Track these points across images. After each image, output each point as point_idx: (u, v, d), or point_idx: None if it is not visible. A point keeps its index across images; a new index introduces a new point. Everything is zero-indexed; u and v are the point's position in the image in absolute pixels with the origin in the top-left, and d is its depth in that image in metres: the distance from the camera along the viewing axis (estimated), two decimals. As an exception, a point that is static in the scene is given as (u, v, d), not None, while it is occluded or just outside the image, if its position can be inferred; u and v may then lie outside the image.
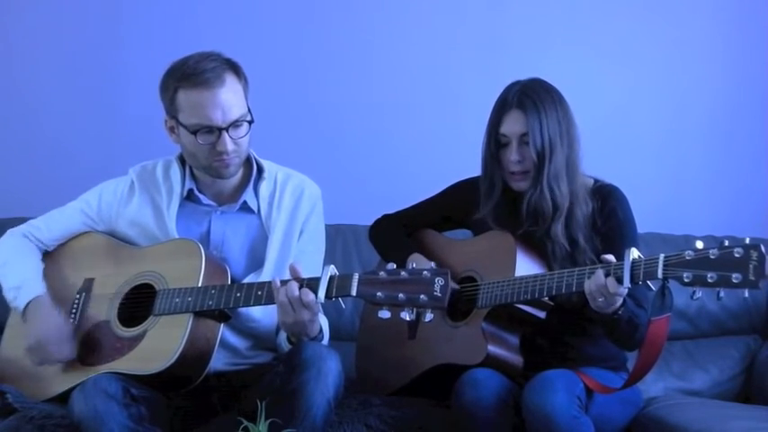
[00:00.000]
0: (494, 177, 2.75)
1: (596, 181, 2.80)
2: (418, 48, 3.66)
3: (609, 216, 2.72)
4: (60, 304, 2.71)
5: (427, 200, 2.99)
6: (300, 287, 2.46)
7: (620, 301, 2.48)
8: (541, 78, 2.76)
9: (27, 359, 2.67)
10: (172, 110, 2.64)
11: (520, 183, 2.73)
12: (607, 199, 2.74)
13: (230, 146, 2.61)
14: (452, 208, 2.93)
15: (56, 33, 3.65)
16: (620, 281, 2.40)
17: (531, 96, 2.69)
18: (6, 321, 2.85)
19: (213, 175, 2.69)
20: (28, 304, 2.68)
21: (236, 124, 2.61)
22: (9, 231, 2.83)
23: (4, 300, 2.85)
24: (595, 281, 2.44)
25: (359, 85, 3.65)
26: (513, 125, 2.70)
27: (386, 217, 3.05)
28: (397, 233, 2.97)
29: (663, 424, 2.75)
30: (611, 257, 2.46)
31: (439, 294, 2.36)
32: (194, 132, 2.60)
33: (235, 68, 2.64)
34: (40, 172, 3.62)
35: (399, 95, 3.65)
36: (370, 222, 3.07)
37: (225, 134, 2.59)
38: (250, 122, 2.64)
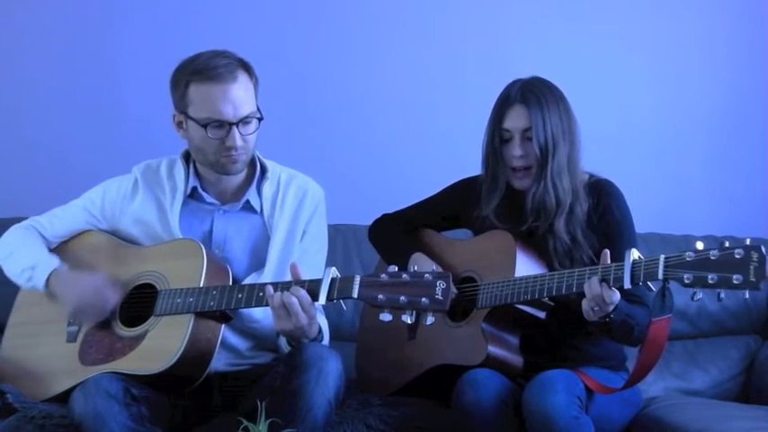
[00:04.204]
0: (497, 173, 2.75)
1: (591, 176, 2.80)
2: (418, 48, 3.66)
3: (604, 213, 2.72)
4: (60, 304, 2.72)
5: (427, 199, 2.99)
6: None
7: (610, 307, 2.48)
8: (541, 77, 2.77)
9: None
10: (182, 104, 2.65)
11: (522, 180, 2.73)
12: (601, 195, 2.74)
13: (239, 141, 2.62)
14: (453, 207, 2.92)
15: (57, 33, 3.65)
16: (620, 282, 2.40)
17: (533, 92, 2.70)
18: (6, 321, 2.85)
19: (220, 172, 2.69)
20: (48, 279, 2.68)
21: (245, 120, 2.62)
22: (12, 227, 2.84)
23: (5, 299, 2.86)
24: (591, 292, 2.45)
25: (359, 85, 3.65)
26: (516, 120, 2.70)
27: (385, 216, 3.05)
28: (398, 233, 2.97)
29: (663, 424, 2.75)
30: (608, 260, 2.47)
31: (440, 297, 2.36)
32: (204, 126, 2.61)
33: (246, 67, 2.66)
34: (40, 172, 3.62)
35: (399, 95, 3.65)
36: (370, 222, 3.07)
37: (235, 129, 2.61)
38: (259, 120, 2.66)
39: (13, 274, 2.76)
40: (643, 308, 2.61)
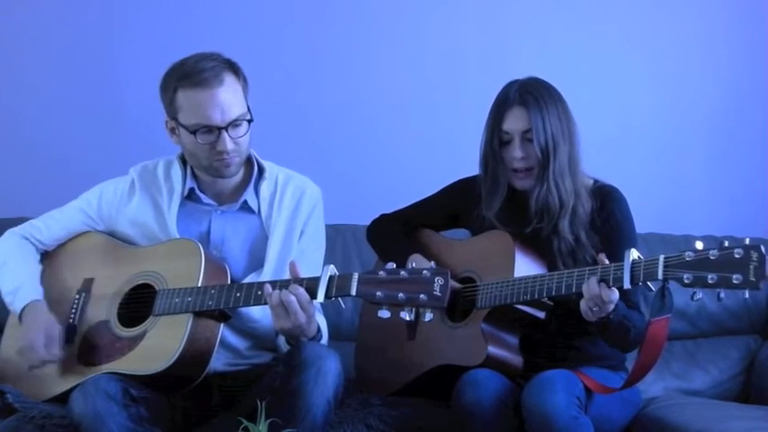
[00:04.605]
0: (497, 175, 2.74)
1: (595, 181, 2.80)
2: (417, 48, 3.66)
3: (608, 217, 2.72)
4: (59, 304, 2.71)
5: (425, 199, 2.99)
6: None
7: (610, 307, 2.48)
8: (538, 77, 2.77)
9: (19, 362, 2.68)
10: (172, 110, 2.65)
11: (523, 181, 2.73)
12: (606, 199, 2.74)
13: (230, 145, 2.61)
14: (452, 207, 2.92)
15: (57, 33, 3.65)
16: (619, 282, 2.40)
17: (532, 93, 2.70)
18: (6, 321, 2.85)
19: (214, 175, 2.69)
20: (24, 309, 2.68)
21: (235, 123, 2.61)
22: (9, 231, 2.83)
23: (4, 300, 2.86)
24: (589, 292, 2.45)
25: (358, 86, 3.65)
26: (515, 122, 2.70)
27: (383, 217, 3.04)
28: (396, 233, 2.96)
29: (663, 424, 2.75)
30: (605, 260, 2.47)
31: (438, 294, 2.36)
32: (194, 132, 2.61)
33: (234, 68, 2.65)
34: (40, 172, 3.62)
35: (398, 95, 3.65)
36: (369, 222, 3.07)
37: (224, 133, 2.60)
38: (249, 122, 2.65)
39: (1, 289, 2.76)
40: (639, 314, 2.61)
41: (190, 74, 2.59)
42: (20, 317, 2.69)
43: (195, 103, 2.59)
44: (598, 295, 2.43)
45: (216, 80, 2.59)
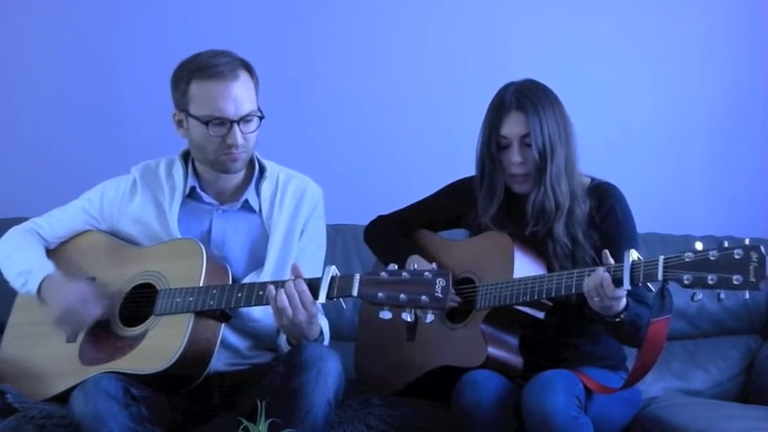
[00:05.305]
0: (495, 180, 2.74)
1: (593, 179, 2.80)
2: (416, 47, 3.66)
3: (607, 214, 2.72)
4: None
5: (423, 200, 2.98)
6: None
7: (620, 304, 2.47)
8: (534, 79, 2.77)
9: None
10: (183, 102, 2.66)
11: (522, 186, 2.73)
12: (604, 197, 2.74)
13: (240, 140, 2.62)
14: (453, 207, 2.91)
15: (57, 33, 3.65)
16: (619, 282, 2.40)
17: (528, 97, 2.69)
18: (6, 321, 2.85)
19: (219, 170, 2.69)
20: (41, 285, 2.67)
21: (246, 119, 2.63)
22: (12, 228, 2.84)
23: (5, 299, 2.86)
24: (593, 277, 2.44)
25: (358, 85, 3.65)
26: (513, 126, 2.69)
27: (381, 218, 3.04)
28: (394, 234, 2.96)
29: (663, 424, 2.75)
30: (610, 259, 2.47)
31: (440, 295, 2.36)
32: (206, 123, 2.61)
33: (247, 66, 2.67)
34: (40, 172, 3.62)
35: (398, 95, 3.65)
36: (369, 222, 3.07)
37: (236, 127, 2.61)
38: (260, 118, 2.66)
39: (10, 276, 2.76)
40: (648, 309, 2.60)
41: (204, 67, 2.61)
42: (39, 293, 2.68)
43: (209, 94, 2.61)
44: (599, 281, 2.42)
45: (231, 74, 2.61)
